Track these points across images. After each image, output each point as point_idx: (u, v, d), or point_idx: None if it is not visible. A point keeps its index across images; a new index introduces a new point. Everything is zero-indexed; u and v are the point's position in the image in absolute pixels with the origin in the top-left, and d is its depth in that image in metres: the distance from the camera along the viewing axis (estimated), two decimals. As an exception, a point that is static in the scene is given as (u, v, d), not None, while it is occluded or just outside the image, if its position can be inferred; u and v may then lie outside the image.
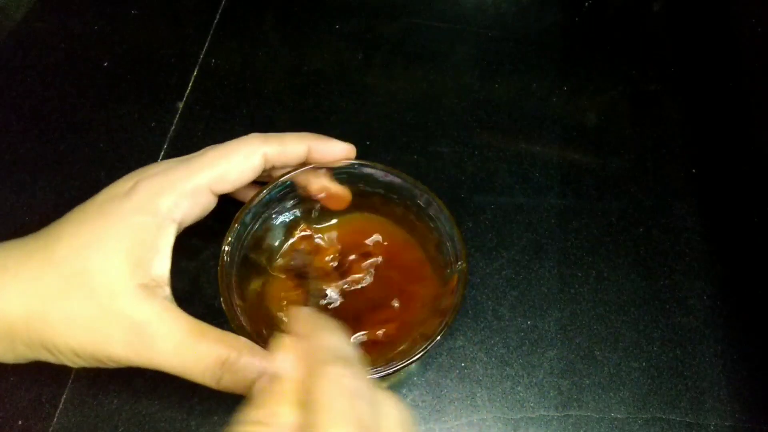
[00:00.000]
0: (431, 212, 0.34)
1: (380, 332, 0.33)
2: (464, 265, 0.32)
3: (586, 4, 0.53)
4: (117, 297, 0.27)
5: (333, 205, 0.36)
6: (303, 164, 0.34)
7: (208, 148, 0.32)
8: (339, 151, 0.34)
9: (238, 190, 0.35)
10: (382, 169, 0.34)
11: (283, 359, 0.23)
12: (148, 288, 0.28)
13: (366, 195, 0.36)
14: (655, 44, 0.51)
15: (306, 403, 0.21)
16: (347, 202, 0.36)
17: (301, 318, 0.25)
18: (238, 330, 0.29)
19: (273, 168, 0.34)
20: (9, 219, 0.40)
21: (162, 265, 0.29)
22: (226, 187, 0.31)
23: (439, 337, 0.29)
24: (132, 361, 0.28)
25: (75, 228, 0.29)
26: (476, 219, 0.41)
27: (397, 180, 0.34)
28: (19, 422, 0.33)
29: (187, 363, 0.27)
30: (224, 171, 0.31)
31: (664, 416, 0.35)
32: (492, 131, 0.46)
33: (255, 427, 0.21)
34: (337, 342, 0.23)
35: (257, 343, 0.29)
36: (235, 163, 0.31)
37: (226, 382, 0.28)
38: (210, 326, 0.28)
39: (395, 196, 0.35)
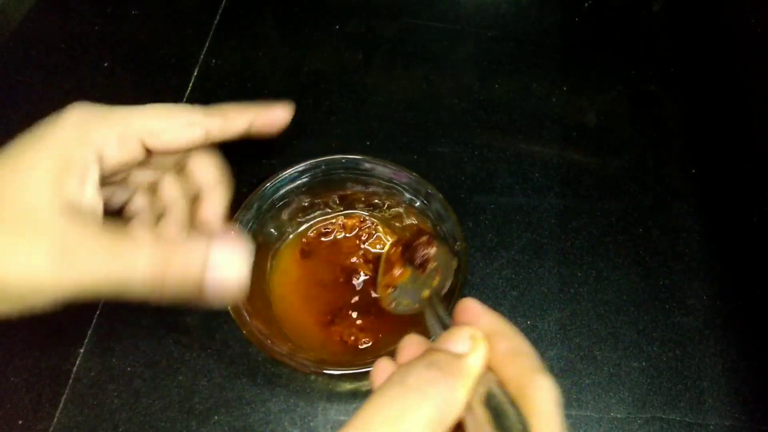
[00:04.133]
0: (425, 198, 0.35)
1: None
2: (463, 244, 0.32)
3: (586, 4, 0.53)
4: (40, 220, 0.25)
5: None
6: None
7: (153, 104, 0.31)
8: (280, 115, 0.33)
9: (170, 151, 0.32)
10: (368, 161, 0.35)
11: (475, 348, 0.23)
12: (74, 209, 0.26)
13: (356, 187, 0.37)
14: (655, 44, 0.51)
15: (521, 404, 0.21)
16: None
17: (489, 316, 0.24)
18: (250, 335, 0.29)
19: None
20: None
21: (89, 192, 0.27)
22: (158, 145, 0.30)
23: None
24: (62, 286, 0.25)
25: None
26: (476, 219, 0.41)
27: (387, 170, 0.35)
28: (20, 422, 0.33)
29: (120, 272, 0.25)
30: (161, 129, 0.30)
31: (663, 416, 0.35)
32: (492, 131, 0.46)
33: (424, 385, 0.21)
34: (534, 352, 0.23)
35: (270, 347, 0.29)
36: (175, 126, 0.30)
37: (171, 285, 0.25)
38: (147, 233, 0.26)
39: (388, 188, 0.36)
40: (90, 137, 0.28)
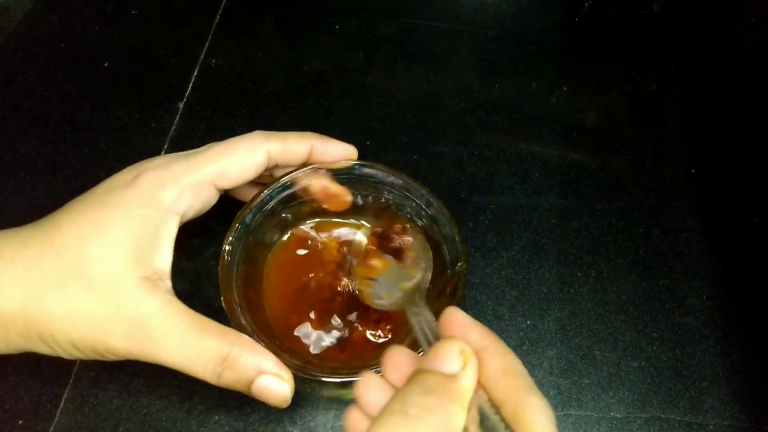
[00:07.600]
0: (431, 213, 0.34)
1: (376, 333, 0.33)
2: (464, 265, 0.32)
3: (586, 4, 0.53)
4: (119, 289, 0.27)
5: (333, 207, 0.36)
6: (305, 164, 0.34)
7: (211, 144, 0.32)
8: (341, 151, 0.34)
9: (239, 189, 0.35)
10: (382, 170, 0.35)
11: (467, 366, 0.22)
12: (150, 281, 0.28)
13: (365, 196, 0.36)
14: (655, 44, 0.51)
15: (515, 427, 0.21)
16: (347, 204, 0.36)
17: (478, 329, 0.24)
18: (239, 329, 0.29)
19: (276, 167, 0.34)
20: (9, 219, 0.40)
21: (164, 258, 0.29)
22: (228, 183, 0.31)
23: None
24: (133, 354, 0.27)
25: (75, 217, 0.29)
26: (476, 219, 0.41)
27: (397, 180, 0.35)
28: (20, 422, 0.33)
29: (188, 358, 0.27)
30: (227, 166, 0.31)
31: (663, 416, 0.35)
32: (492, 131, 0.46)
33: (425, 414, 0.21)
34: (526, 371, 0.23)
35: (258, 341, 0.29)
36: (238, 158, 0.31)
37: (227, 379, 0.28)
38: (212, 321, 0.28)
39: (395, 197, 0.35)
40: (165, 199, 0.29)
